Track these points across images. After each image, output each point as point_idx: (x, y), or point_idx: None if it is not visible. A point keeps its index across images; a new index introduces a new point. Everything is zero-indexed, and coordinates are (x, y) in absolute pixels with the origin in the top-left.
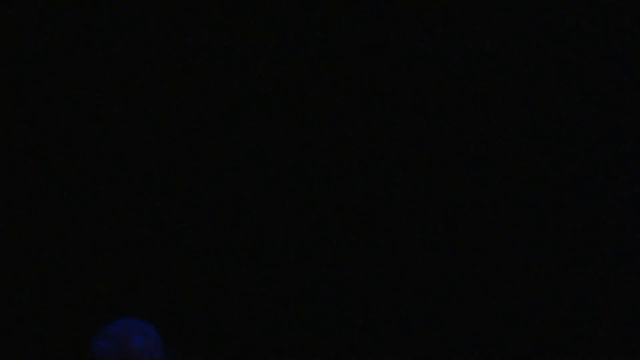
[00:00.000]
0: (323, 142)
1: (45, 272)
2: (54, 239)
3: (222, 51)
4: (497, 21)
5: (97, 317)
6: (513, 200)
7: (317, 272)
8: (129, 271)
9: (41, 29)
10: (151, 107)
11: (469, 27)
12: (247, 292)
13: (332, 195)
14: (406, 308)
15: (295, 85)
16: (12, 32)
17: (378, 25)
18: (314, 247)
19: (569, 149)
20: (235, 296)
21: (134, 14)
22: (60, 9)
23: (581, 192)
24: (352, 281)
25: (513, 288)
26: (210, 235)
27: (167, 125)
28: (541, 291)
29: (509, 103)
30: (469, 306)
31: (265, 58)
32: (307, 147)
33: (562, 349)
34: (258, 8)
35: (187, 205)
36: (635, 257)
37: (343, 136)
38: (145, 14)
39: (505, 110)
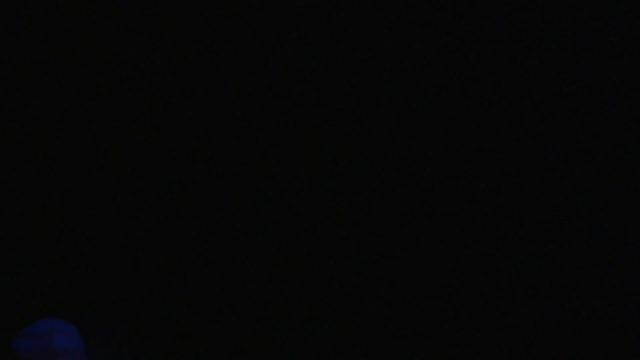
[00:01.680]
0: (321, 142)
1: None
2: None
3: (222, 51)
4: (496, 21)
5: (17, 317)
6: (513, 201)
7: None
8: (58, 270)
9: (41, 29)
10: (151, 107)
11: (469, 27)
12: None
13: (330, 196)
14: (406, 309)
15: (293, 85)
16: (12, 32)
17: (378, 25)
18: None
19: (568, 149)
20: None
21: (134, 14)
22: (60, 9)
23: (581, 193)
24: (350, 281)
25: (513, 289)
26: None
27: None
28: (541, 292)
29: (507, 103)
30: (469, 307)
31: (265, 58)
32: (305, 147)
33: (562, 351)
34: (258, 8)
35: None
36: (635, 257)
37: (341, 137)
38: (145, 14)
39: (504, 110)
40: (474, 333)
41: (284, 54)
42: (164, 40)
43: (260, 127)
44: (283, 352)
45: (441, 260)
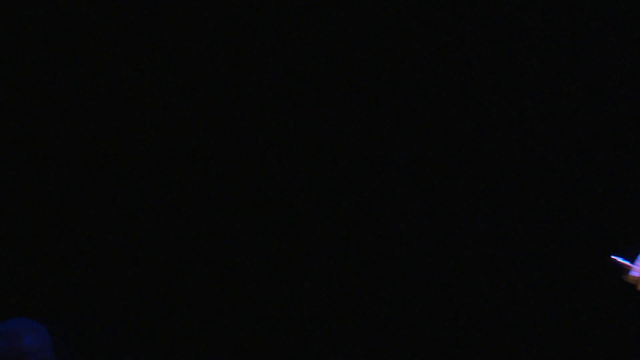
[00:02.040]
0: (321, 142)
1: None
2: None
3: (222, 51)
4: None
5: None
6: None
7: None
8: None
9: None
10: (151, 107)
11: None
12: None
13: (330, 196)
14: (406, 309)
15: (293, 85)
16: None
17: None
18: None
19: (568, 149)
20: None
21: (134, 14)
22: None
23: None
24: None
25: (513, 289)
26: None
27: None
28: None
29: (507, 103)
30: (469, 307)
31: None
32: (305, 147)
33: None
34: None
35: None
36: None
37: (341, 137)
38: (144, 14)
39: (503, 110)
40: (474, 333)
41: (284, 54)
42: (164, 40)
43: (260, 127)
44: (283, 352)
45: (441, 260)
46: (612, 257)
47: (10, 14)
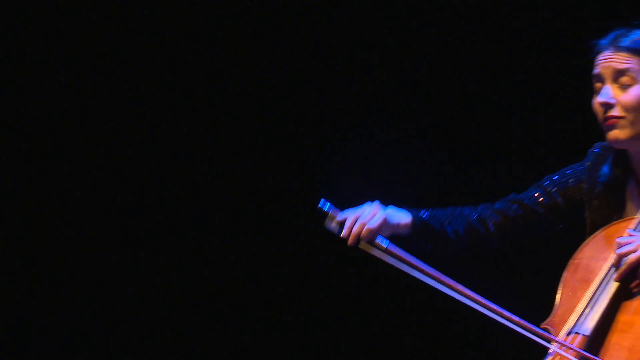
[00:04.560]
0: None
1: None
2: None
3: (222, 52)
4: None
5: None
6: None
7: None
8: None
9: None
10: (151, 107)
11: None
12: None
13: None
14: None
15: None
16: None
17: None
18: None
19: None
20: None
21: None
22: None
23: None
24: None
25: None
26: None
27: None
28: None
29: (507, 103)
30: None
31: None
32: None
33: None
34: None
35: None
36: None
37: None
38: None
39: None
40: (474, 333)
41: (284, 54)
42: (164, 40)
43: (260, 128)
44: (283, 352)
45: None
46: (321, 205)
47: (10, 14)
